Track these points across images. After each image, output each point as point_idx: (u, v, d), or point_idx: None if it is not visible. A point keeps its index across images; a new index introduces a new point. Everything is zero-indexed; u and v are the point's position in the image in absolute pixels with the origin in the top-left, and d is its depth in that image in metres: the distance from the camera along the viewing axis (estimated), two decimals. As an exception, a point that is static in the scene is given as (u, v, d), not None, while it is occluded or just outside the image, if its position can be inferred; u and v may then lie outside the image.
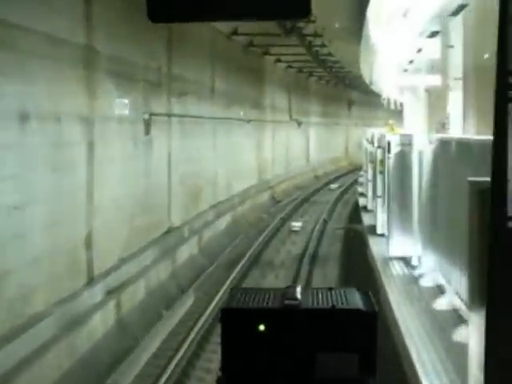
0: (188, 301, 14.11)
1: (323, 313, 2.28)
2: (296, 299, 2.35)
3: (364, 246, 13.35)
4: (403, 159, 9.70)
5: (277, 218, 24.36)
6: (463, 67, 15.58)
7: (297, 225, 22.36)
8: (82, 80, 10.87)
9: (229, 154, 22.79)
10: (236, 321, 2.30)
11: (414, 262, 9.44)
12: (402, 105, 43.54)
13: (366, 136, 20.78)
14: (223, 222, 20.76)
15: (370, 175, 16.33)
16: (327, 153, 45.90)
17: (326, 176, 42.50)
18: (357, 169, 49.27)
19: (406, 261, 9.69)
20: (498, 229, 2.27)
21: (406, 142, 9.66)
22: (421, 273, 8.89)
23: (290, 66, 34.31)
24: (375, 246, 11.23)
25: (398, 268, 9.48)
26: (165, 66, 15.78)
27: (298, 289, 2.43)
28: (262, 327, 2.27)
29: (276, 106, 32.03)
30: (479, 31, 13.57)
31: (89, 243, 11.04)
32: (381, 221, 11.86)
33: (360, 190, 21.71)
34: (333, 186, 37.14)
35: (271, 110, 31.02)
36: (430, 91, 22.48)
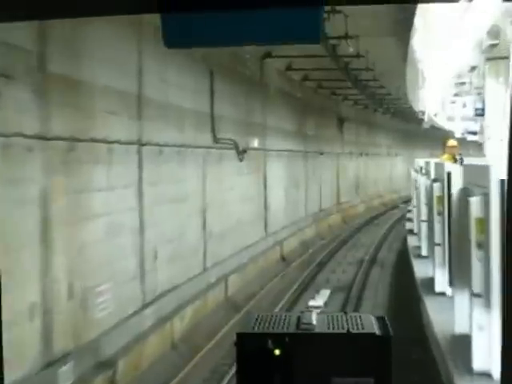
0: None
1: (338, 337, 2.33)
2: (311, 324, 2.41)
3: None
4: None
5: None
6: None
7: None
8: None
9: None
10: (252, 345, 2.32)
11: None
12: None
13: (416, 166, 17.59)
14: None
15: (423, 215, 12.97)
16: (304, 206, 25.54)
17: (301, 254, 22.26)
18: (359, 228, 29.39)
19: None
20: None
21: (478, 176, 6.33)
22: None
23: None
24: None
25: None
26: None
27: (314, 313, 2.50)
28: (277, 351, 2.30)
29: (171, 103, 12.09)
30: None
31: None
32: (440, 275, 9.83)
33: (409, 226, 18.37)
34: (313, 303, 14.54)
35: (154, 112, 11.10)
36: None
